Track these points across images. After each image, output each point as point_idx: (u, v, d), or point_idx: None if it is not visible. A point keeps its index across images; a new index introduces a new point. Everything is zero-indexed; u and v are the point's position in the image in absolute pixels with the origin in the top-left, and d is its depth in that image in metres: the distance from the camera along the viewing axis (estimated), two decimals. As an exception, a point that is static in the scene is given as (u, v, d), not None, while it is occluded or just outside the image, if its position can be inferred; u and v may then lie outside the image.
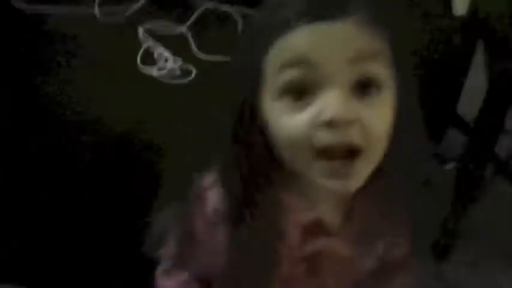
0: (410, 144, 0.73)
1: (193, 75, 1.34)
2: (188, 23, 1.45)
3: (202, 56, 1.38)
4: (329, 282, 0.84)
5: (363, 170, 0.69)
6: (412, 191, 0.80)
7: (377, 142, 0.68)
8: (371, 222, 0.80)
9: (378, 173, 0.72)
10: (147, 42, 1.40)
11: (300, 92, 0.67)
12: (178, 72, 1.34)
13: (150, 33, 1.42)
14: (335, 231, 0.80)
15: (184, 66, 1.35)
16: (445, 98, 1.68)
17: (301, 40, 0.66)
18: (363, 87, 0.67)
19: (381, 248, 0.85)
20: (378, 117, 0.68)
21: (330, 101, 0.65)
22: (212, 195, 0.79)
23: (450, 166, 1.81)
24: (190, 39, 1.41)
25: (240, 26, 1.44)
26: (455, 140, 1.81)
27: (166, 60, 1.36)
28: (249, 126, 0.72)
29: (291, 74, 0.66)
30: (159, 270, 0.92)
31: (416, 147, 0.75)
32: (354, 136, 0.66)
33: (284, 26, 0.66)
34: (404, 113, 0.71)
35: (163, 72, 1.34)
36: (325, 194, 0.76)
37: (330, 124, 0.65)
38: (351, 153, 0.67)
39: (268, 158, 0.73)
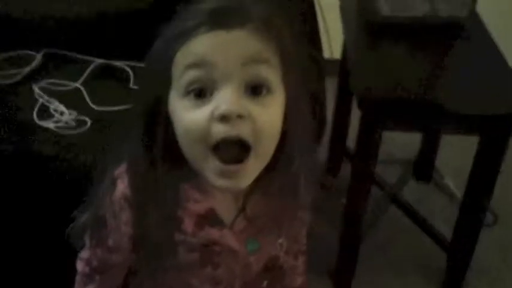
0: (302, 146, 0.84)
1: (88, 125, 1.42)
2: (82, 79, 1.55)
3: (96, 107, 1.47)
4: (221, 274, 0.91)
5: (252, 168, 0.79)
6: (307, 193, 0.90)
7: (266, 139, 0.78)
8: (264, 220, 0.89)
9: (270, 172, 0.83)
10: (43, 98, 1.48)
11: (200, 91, 0.77)
12: (73, 124, 1.42)
13: (45, 90, 1.50)
14: (228, 224, 0.89)
15: (79, 118, 1.44)
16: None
17: (201, 45, 0.77)
18: (255, 88, 0.77)
19: (274, 247, 0.94)
20: (267, 116, 0.78)
21: (224, 97, 0.75)
22: (121, 183, 0.87)
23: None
24: (85, 94, 1.50)
25: (131, 78, 1.54)
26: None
27: (61, 114, 1.45)
28: (157, 122, 0.81)
29: (193, 74, 0.77)
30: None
31: (307, 150, 0.87)
32: (244, 130, 0.76)
33: (188, 33, 0.77)
34: (294, 117, 0.82)
35: (60, 124, 1.42)
36: (219, 188, 0.83)
37: (223, 118, 0.75)
38: (242, 149, 0.77)
39: (171, 152, 0.81)
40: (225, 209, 0.88)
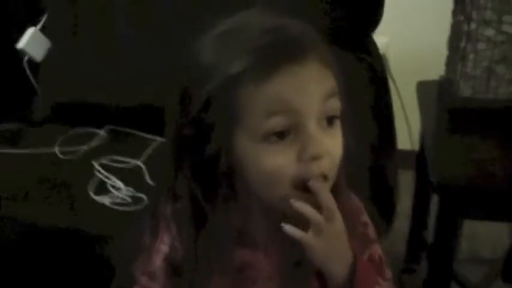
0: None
1: (145, 202, 1.36)
2: (143, 157, 1.51)
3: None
4: None
5: None
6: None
7: (334, 169, 0.77)
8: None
9: None
10: (102, 174, 1.45)
11: (281, 134, 0.73)
12: (129, 200, 1.37)
13: (105, 167, 1.47)
14: (262, 247, 0.82)
15: (136, 195, 1.39)
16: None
17: (281, 88, 0.72)
18: (327, 120, 0.75)
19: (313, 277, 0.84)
20: (339, 146, 0.77)
21: (310, 138, 0.73)
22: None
23: None
24: (145, 171, 1.46)
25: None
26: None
27: (118, 190, 1.40)
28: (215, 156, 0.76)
29: (278, 121, 0.72)
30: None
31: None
32: (326, 167, 0.74)
33: (258, 74, 0.71)
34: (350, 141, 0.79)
35: (116, 200, 1.38)
36: (257, 209, 0.81)
37: (313, 159, 0.73)
38: None
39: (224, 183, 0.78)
40: (260, 229, 0.83)
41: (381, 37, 1.89)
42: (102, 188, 1.41)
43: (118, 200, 1.37)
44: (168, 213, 0.84)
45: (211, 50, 0.76)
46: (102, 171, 1.45)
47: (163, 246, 0.84)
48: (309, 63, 0.73)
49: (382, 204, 1.39)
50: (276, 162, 0.73)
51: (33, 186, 1.42)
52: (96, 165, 1.47)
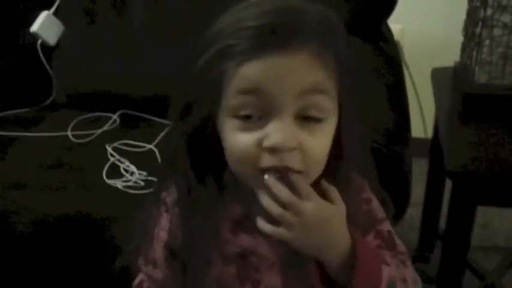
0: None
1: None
2: (156, 141, 1.50)
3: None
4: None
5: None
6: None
7: (315, 166, 0.75)
8: None
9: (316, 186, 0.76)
10: (114, 158, 1.45)
11: (249, 115, 0.72)
12: (142, 184, 1.37)
13: (118, 150, 1.47)
14: (265, 233, 0.80)
15: (149, 178, 1.38)
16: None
17: (256, 71, 0.71)
18: (307, 116, 0.73)
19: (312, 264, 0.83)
20: (318, 144, 0.74)
21: (276, 128, 0.71)
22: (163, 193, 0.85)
23: None
24: (158, 155, 1.45)
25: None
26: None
27: (131, 174, 1.40)
28: (206, 133, 0.77)
29: (244, 100, 0.72)
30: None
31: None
32: (293, 162, 0.72)
33: (240, 53, 0.71)
34: (349, 138, 0.78)
35: (129, 184, 1.37)
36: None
37: (272, 149, 0.71)
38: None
39: (217, 160, 0.78)
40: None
41: (396, 24, 1.88)
42: (115, 172, 1.41)
43: (131, 184, 1.37)
44: (168, 197, 0.84)
45: (223, 22, 0.75)
46: (116, 154, 1.45)
47: (162, 233, 0.84)
48: (297, 53, 0.71)
49: (396, 191, 1.38)
50: (238, 140, 0.73)
51: (46, 170, 1.43)
52: (109, 149, 1.47)
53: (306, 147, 0.72)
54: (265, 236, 0.79)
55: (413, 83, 2.18)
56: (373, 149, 1.17)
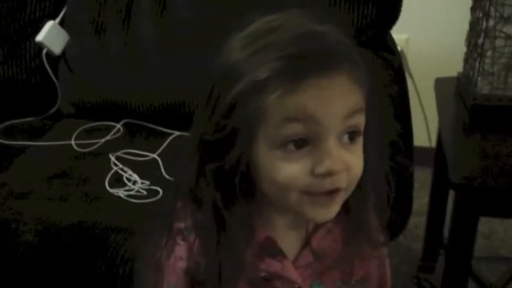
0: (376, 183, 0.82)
1: (160, 195, 1.36)
2: (159, 150, 1.51)
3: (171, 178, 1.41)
4: None
5: (339, 203, 0.76)
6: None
7: (354, 183, 0.76)
8: (331, 257, 0.84)
9: (342, 209, 0.78)
10: (117, 167, 1.46)
11: (299, 143, 0.72)
12: (144, 193, 1.38)
13: (121, 159, 1.49)
14: (290, 257, 0.82)
15: (151, 188, 1.39)
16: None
17: (304, 97, 0.69)
18: (349, 136, 0.74)
19: (337, 286, 0.85)
20: (358, 162, 0.76)
21: (326, 154, 0.71)
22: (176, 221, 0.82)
23: None
24: (161, 164, 1.46)
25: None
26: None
27: (134, 183, 1.41)
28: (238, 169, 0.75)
29: (295, 129, 0.71)
30: None
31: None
32: (341, 183, 0.73)
33: (283, 85, 0.69)
34: (372, 154, 0.79)
35: (131, 193, 1.38)
36: (284, 218, 0.81)
37: (326, 175, 0.72)
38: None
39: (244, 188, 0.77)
40: (287, 243, 0.83)
41: (401, 34, 1.88)
42: (118, 181, 1.42)
43: (133, 193, 1.38)
44: (183, 226, 0.82)
45: (240, 50, 0.73)
46: (119, 164, 1.46)
47: (180, 262, 0.82)
48: (338, 77, 0.71)
49: (398, 202, 1.38)
50: (290, 171, 0.72)
51: (49, 179, 1.43)
52: (112, 158, 1.48)
53: (350, 166, 0.73)
54: (295, 261, 0.82)
55: (417, 92, 2.19)
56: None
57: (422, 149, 1.97)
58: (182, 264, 0.81)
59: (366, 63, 0.76)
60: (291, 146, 0.71)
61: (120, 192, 1.38)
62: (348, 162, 0.73)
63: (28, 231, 1.30)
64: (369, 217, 0.84)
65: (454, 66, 1.72)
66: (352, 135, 0.74)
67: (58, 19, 1.73)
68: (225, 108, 0.73)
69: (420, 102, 2.19)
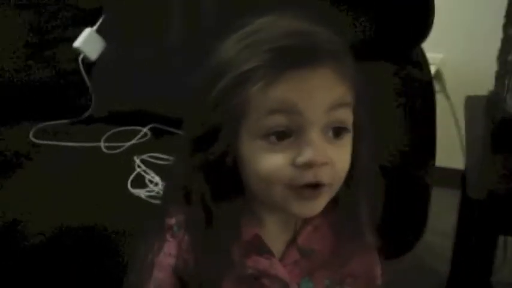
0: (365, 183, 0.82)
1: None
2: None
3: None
4: None
5: (324, 198, 0.76)
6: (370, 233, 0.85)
7: (339, 180, 0.77)
8: (319, 255, 0.84)
9: (330, 207, 0.79)
10: (140, 169, 1.49)
11: (282, 134, 0.73)
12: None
13: (145, 162, 1.52)
14: (278, 254, 0.83)
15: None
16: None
17: (287, 89, 0.71)
18: (334, 131, 0.75)
19: (325, 284, 0.85)
20: (343, 158, 0.76)
21: (309, 144, 0.72)
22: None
23: None
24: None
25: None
26: None
27: (156, 185, 1.43)
28: (225, 161, 0.76)
29: (277, 120, 0.72)
30: None
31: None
32: (324, 176, 0.74)
33: (268, 73, 0.71)
34: (363, 154, 0.80)
35: (151, 194, 1.41)
36: (272, 216, 0.82)
37: (307, 165, 0.72)
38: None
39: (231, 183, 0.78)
40: (276, 241, 0.83)
41: (437, 53, 1.87)
42: (140, 182, 1.44)
43: (153, 194, 1.40)
44: (174, 221, 0.83)
45: (230, 49, 0.76)
46: (142, 165, 1.49)
47: (169, 259, 0.83)
48: (321, 70, 0.72)
49: (411, 215, 1.37)
50: (272, 162, 0.73)
51: (71, 179, 1.47)
52: (137, 160, 1.51)
53: (334, 161, 0.74)
54: (282, 259, 0.83)
55: (453, 113, 2.16)
56: (385, 169, 1.18)
57: (456, 172, 1.93)
58: (171, 261, 0.82)
59: (355, 67, 0.77)
60: (273, 138, 0.72)
61: (141, 193, 1.40)
62: (332, 156, 0.73)
63: (45, 232, 1.33)
64: (359, 215, 0.83)
65: (488, 85, 1.70)
66: (338, 130, 0.75)
67: (95, 27, 1.79)
68: (211, 103, 0.75)
69: (456, 121, 2.16)
